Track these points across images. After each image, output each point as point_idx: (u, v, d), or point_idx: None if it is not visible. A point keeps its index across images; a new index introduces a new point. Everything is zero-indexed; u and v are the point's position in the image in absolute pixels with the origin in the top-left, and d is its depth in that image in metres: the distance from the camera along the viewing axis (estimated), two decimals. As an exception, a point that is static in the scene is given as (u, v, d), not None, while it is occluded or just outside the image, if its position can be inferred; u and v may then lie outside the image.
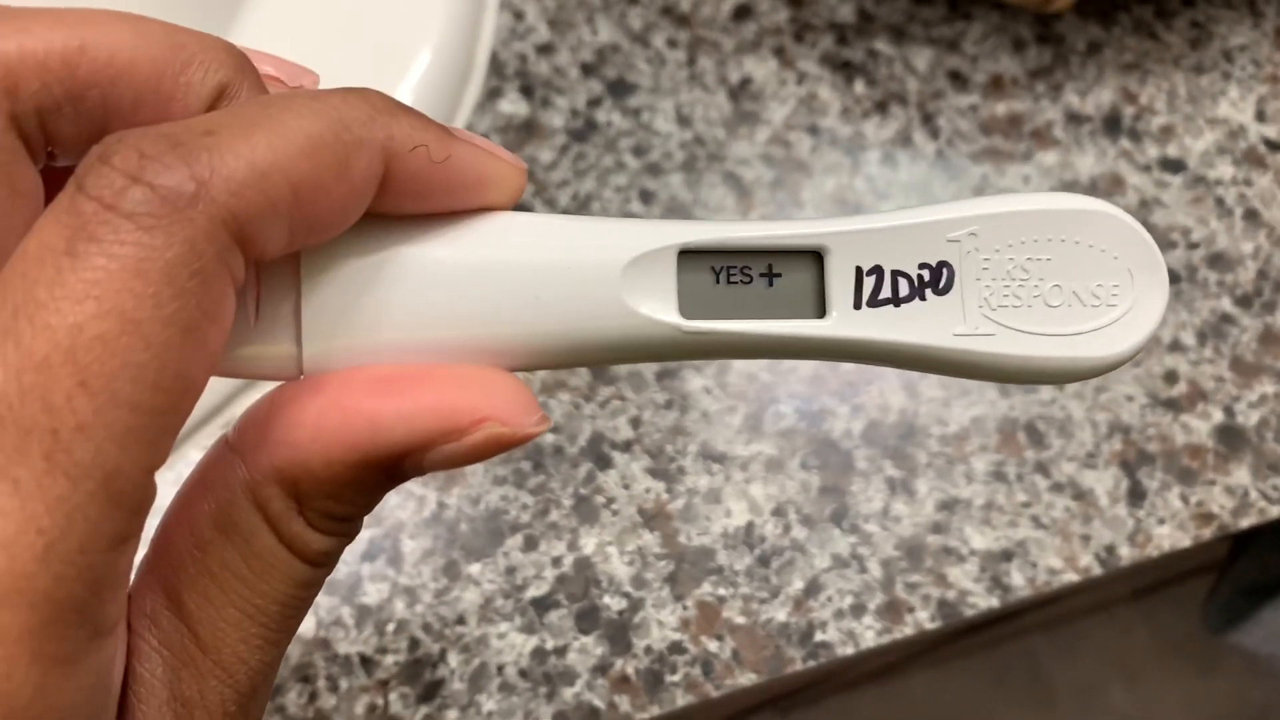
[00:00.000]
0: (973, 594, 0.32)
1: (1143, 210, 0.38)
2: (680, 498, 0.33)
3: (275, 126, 0.14)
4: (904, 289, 0.17)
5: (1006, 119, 0.39)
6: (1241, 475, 0.35)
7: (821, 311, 0.17)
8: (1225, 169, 0.39)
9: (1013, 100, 0.40)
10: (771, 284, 0.17)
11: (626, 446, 0.33)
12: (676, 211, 0.36)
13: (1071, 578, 0.33)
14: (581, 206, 0.36)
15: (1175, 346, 0.36)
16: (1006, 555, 0.33)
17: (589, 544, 0.32)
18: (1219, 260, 0.38)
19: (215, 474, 0.16)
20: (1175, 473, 0.35)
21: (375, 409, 0.15)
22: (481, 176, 0.17)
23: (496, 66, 0.38)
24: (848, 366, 0.35)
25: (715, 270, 0.17)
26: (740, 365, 0.34)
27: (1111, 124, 0.40)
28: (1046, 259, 0.17)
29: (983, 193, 0.38)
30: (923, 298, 0.17)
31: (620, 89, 0.38)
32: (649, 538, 0.32)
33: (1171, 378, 0.36)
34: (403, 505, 0.32)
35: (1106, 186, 0.38)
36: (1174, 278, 0.37)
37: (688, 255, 0.17)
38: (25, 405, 0.12)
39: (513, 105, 0.37)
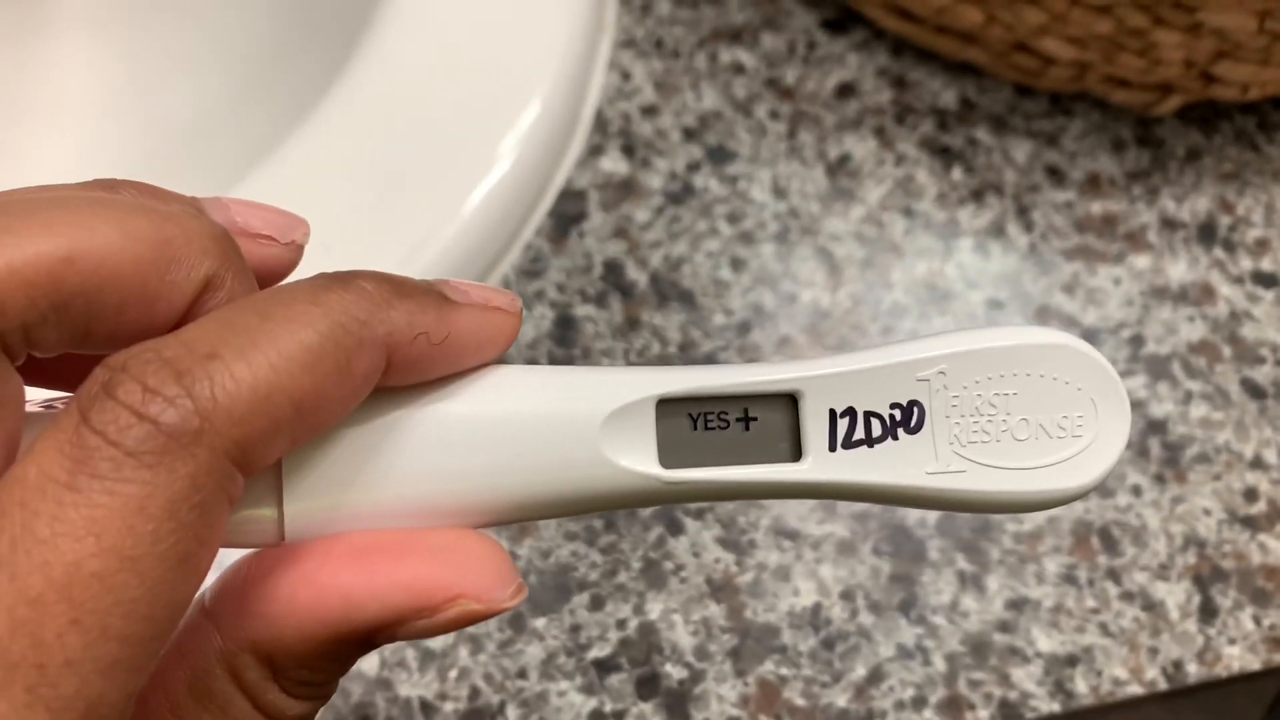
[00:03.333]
0: (1035, 697, 0.32)
1: (1232, 322, 0.38)
2: (749, 571, 0.33)
3: (276, 343, 0.14)
4: (877, 429, 0.18)
5: (1101, 218, 0.39)
6: (1317, 602, 0.34)
7: (798, 454, 0.18)
8: (1319, 288, 0.39)
9: (1108, 200, 0.39)
10: (748, 428, 0.18)
11: (699, 514, 0.33)
12: (765, 281, 0.36)
13: (1136, 690, 0.33)
14: (673, 269, 0.36)
15: (1257, 464, 0.36)
16: (1072, 660, 0.33)
17: (655, 609, 0.32)
18: (1307, 380, 0.37)
19: (191, 641, 0.16)
20: (1249, 593, 0.34)
21: (348, 585, 0.16)
22: (480, 342, 0.17)
23: (600, 124, 0.38)
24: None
25: (692, 417, 0.18)
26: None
27: (1206, 232, 0.39)
28: (1013, 393, 0.18)
29: (1073, 291, 0.38)
30: (895, 437, 0.18)
31: (720, 155, 0.38)
32: (715, 609, 0.32)
33: (1251, 495, 0.35)
34: (473, 551, 0.32)
35: (1197, 295, 0.38)
36: (1260, 393, 0.37)
37: (665, 403, 0.17)
38: (14, 640, 0.12)
39: (613, 163, 0.38)
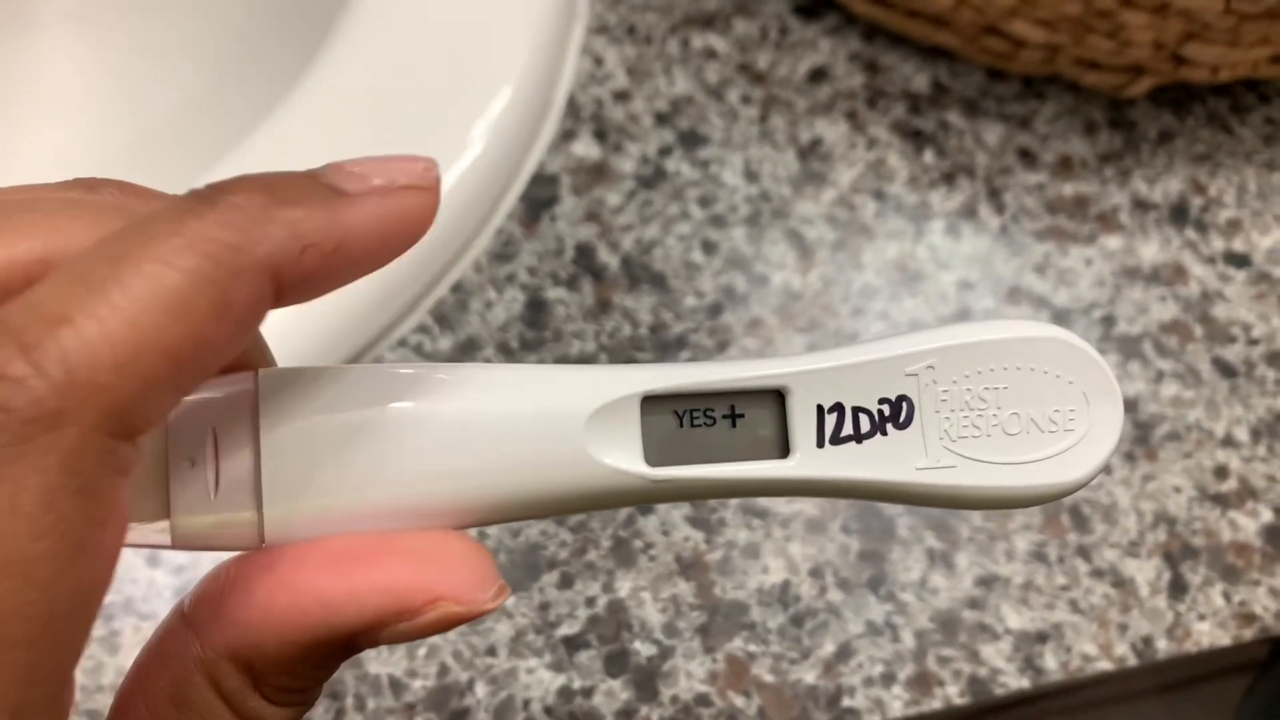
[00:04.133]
0: (1004, 673, 0.32)
1: (1204, 302, 0.38)
2: (719, 549, 0.33)
3: (132, 292, 0.13)
4: (865, 425, 0.18)
5: (1073, 200, 0.39)
6: (1287, 578, 0.34)
7: (785, 451, 0.18)
8: (1291, 268, 0.39)
9: (1080, 182, 0.40)
10: (735, 425, 0.18)
11: (669, 493, 0.33)
12: (737, 264, 0.37)
13: (1106, 666, 0.33)
14: (645, 252, 0.36)
15: (1228, 441, 0.36)
16: (1041, 637, 0.33)
17: (624, 587, 0.32)
18: (1279, 358, 0.37)
19: (170, 648, 0.16)
20: (1219, 569, 0.34)
21: (327, 589, 0.15)
22: (386, 236, 0.15)
23: (573, 109, 0.38)
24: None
25: (678, 414, 0.17)
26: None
27: (1178, 213, 0.40)
28: (1003, 387, 0.18)
29: (1044, 272, 0.38)
30: (884, 433, 0.18)
31: (691, 140, 0.39)
32: (684, 586, 0.32)
33: (1222, 473, 0.36)
34: (444, 532, 0.32)
35: (1169, 276, 0.38)
36: (1231, 372, 0.37)
37: (650, 400, 0.17)
38: None
39: (585, 148, 0.38)
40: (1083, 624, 0.33)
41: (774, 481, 0.18)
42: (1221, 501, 0.35)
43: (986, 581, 0.33)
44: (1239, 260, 0.39)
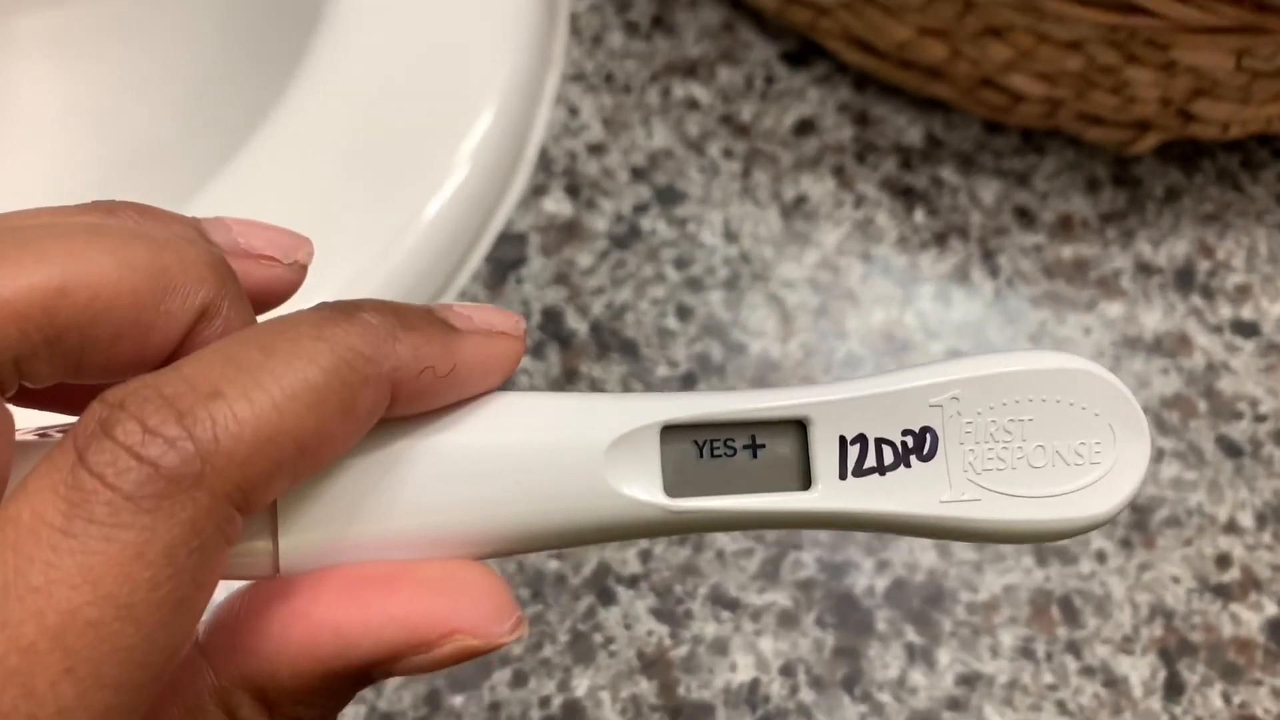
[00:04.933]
0: (986, 781, 0.30)
1: (1209, 375, 0.36)
2: (684, 644, 0.31)
3: (280, 381, 0.14)
4: (889, 457, 0.17)
5: (1072, 263, 0.37)
6: (1291, 677, 0.32)
7: (807, 482, 0.17)
8: (1302, 338, 0.37)
9: (1080, 244, 0.38)
10: (755, 455, 0.17)
11: (633, 582, 0.31)
12: (713, 331, 0.35)
13: (1095, 773, 0.31)
14: (615, 317, 0.35)
15: (1231, 528, 0.34)
16: (1027, 741, 0.31)
17: (581, 686, 0.30)
18: (1287, 437, 0.35)
19: (184, 676, 0.16)
20: (1219, 667, 0.32)
21: (342, 620, 0.15)
22: (485, 370, 0.16)
23: (544, 162, 0.36)
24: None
25: (698, 444, 0.17)
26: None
27: (1184, 278, 0.37)
28: (1029, 419, 0.17)
29: (1039, 341, 0.36)
30: (908, 465, 0.17)
31: (669, 196, 0.37)
32: (646, 686, 0.30)
33: (1224, 561, 0.34)
34: (393, 620, 0.30)
35: (1172, 346, 0.36)
36: (1236, 452, 0.35)
37: (670, 430, 0.17)
38: (5, 691, 0.12)
39: (556, 204, 0.36)
40: (1071, 727, 0.31)
41: (795, 514, 0.17)
42: (1223, 593, 0.33)
43: (969, 680, 0.31)
44: (1247, 329, 0.37)
